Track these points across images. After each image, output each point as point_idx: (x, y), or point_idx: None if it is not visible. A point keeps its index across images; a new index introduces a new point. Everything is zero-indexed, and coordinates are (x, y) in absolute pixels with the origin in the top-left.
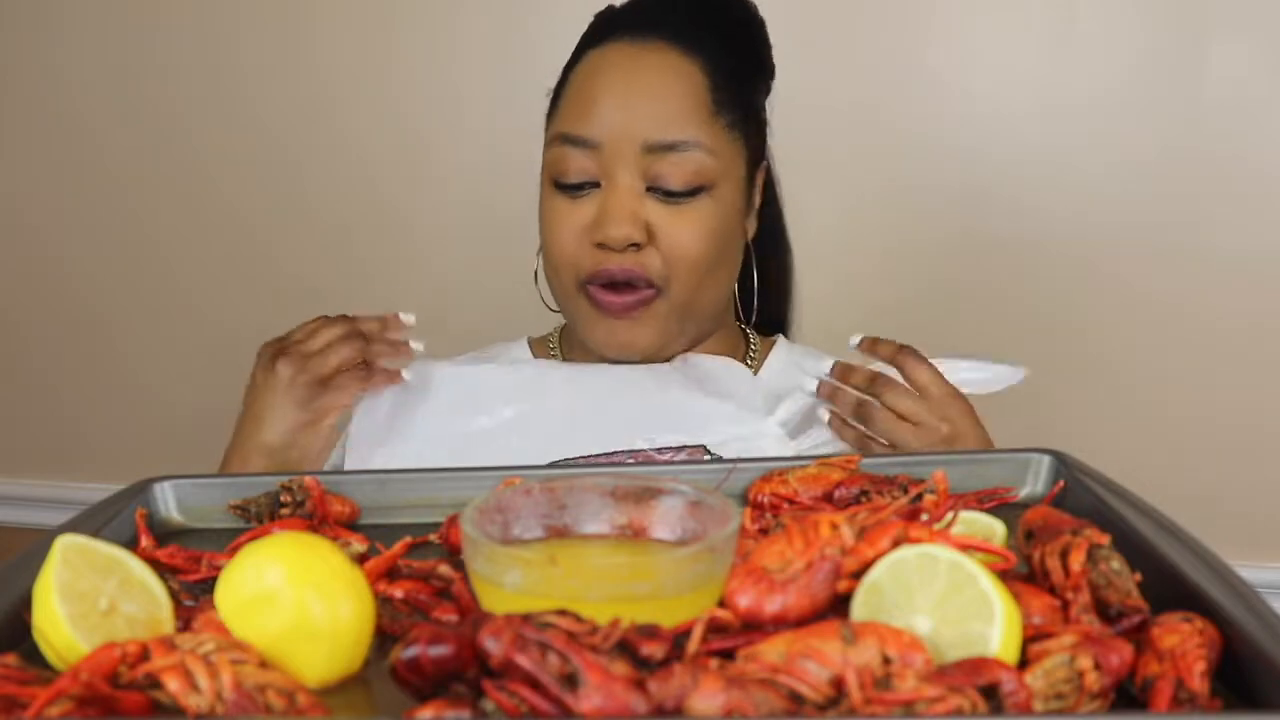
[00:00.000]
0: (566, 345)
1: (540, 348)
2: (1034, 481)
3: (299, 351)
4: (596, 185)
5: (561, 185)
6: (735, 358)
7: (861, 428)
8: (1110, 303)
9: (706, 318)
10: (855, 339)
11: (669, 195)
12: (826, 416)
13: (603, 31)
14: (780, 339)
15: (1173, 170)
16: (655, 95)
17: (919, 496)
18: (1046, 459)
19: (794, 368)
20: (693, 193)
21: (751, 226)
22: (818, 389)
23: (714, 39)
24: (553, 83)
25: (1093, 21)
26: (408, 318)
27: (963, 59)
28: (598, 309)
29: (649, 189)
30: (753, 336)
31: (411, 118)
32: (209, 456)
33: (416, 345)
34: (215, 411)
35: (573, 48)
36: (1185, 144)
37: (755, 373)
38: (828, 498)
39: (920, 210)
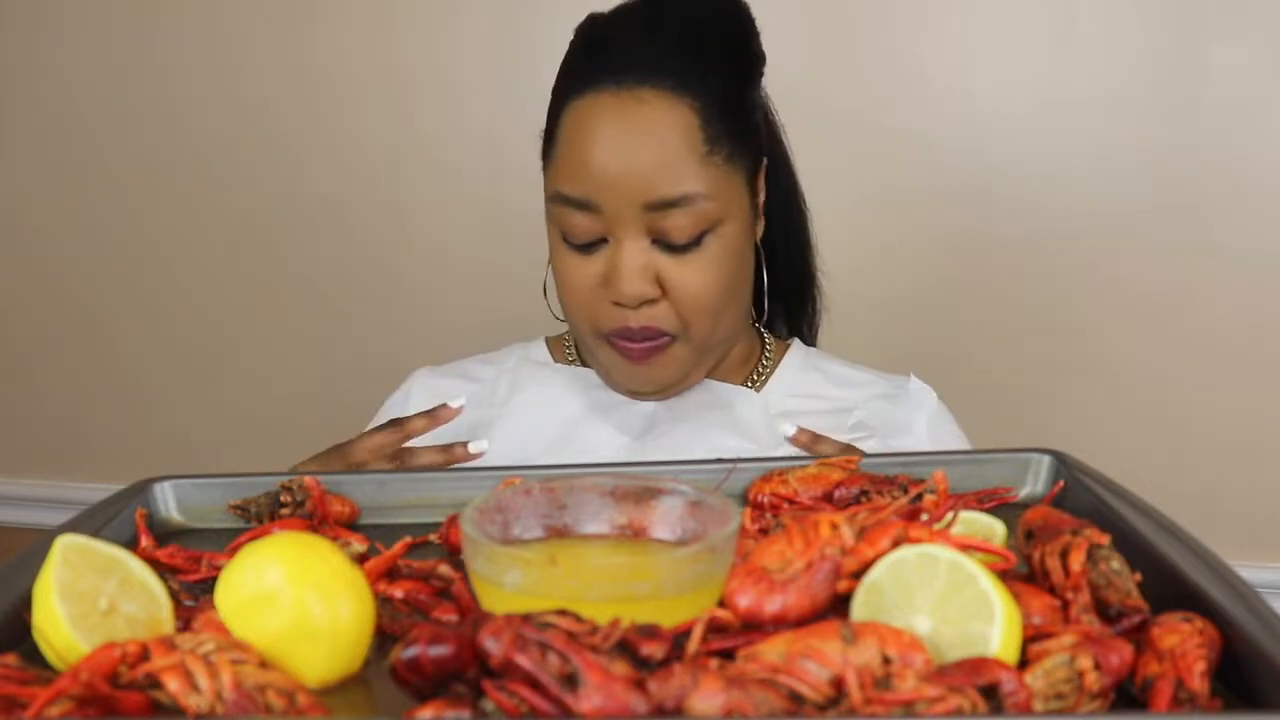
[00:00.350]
0: (585, 348)
1: (558, 348)
2: (1034, 481)
3: (349, 454)
4: (605, 240)
5: (568, 242)
6: (750, 359)
7: None
8: (1110, 303)
9: (725, 345)
10: (789, 430)
11: (674, 248)
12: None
13: (586, 75)
14: (795, 343)
15: (1173, 170)
16: (649, 149)
17: (919, 496)
18: (1046, 459)
19: (811, 373)
20: (698, 240)
21: (759, 227)
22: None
23: (701, 66)
24: (547, 86)
25: (1093, 21)
26: (457, 403)
27: (962, 59)
28: (618, 354)
29: (654, 241)
30: (767, 340)
31: (413, 117)
32: (209, 456)
33: (476, 446)
34: (215, 411)
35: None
36: (1185, 143)
37: (767, 379)
38: (828, 498)
39: (919, 210)
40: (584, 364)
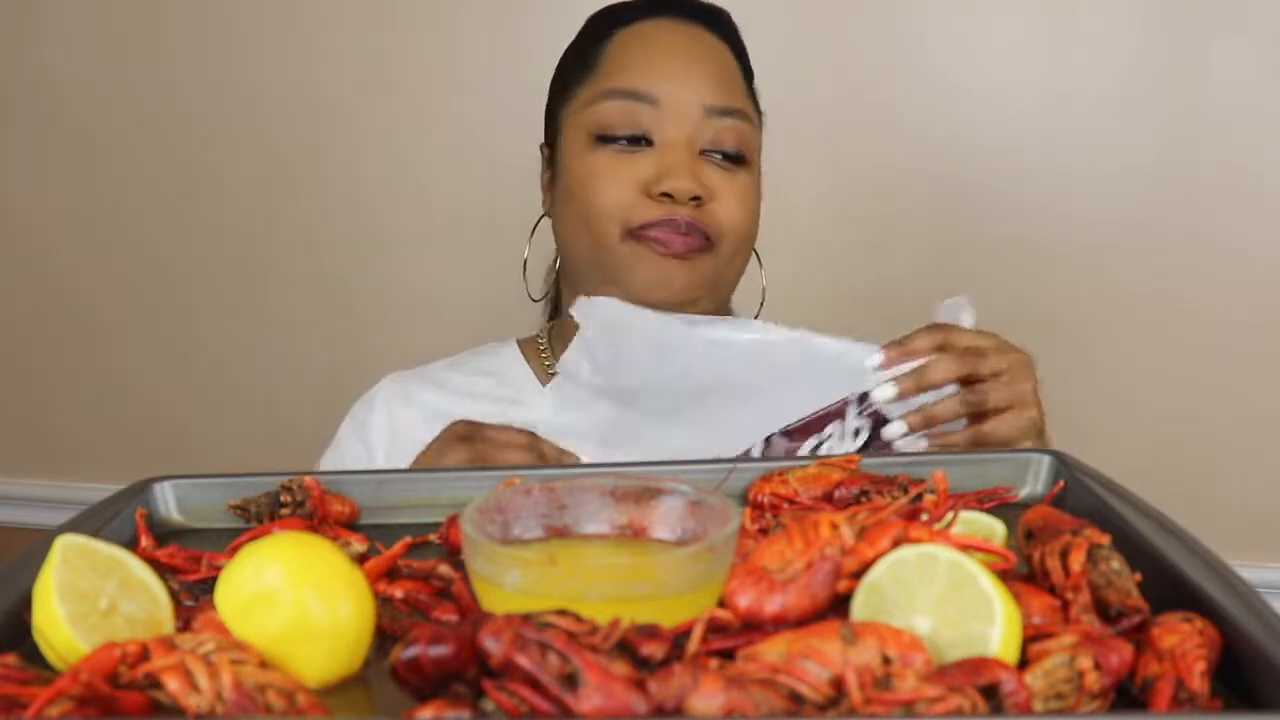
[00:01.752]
0: (558, 344)
1: (530, 349)
2: (1034, 481)
3: (482, 436)
4: (649, 143)
5: (607, 139)
6: None
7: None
8: (1110, 302)
9: (728, 291)
10: (874, 358)
11: (725, 159)
12: (900, 431)
13: (635, 12)
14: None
15: (1173, 169)
16: (708, 62)
17: (919, 496)
18: (1046, 459)
19: None
20: (740, 161)
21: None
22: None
23: (733, 35)
24: (545, 88)
25: (1093, 21)
26: None
27: (962, 59)
28: (651, 249)
29: (702, 152)
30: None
31: (410, 120)
32: (209, 456)
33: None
34: (216, 412)
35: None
36: (1185, 143)
37: None
38: (828, 498)
39: (918, 210)
40: (553, 353)
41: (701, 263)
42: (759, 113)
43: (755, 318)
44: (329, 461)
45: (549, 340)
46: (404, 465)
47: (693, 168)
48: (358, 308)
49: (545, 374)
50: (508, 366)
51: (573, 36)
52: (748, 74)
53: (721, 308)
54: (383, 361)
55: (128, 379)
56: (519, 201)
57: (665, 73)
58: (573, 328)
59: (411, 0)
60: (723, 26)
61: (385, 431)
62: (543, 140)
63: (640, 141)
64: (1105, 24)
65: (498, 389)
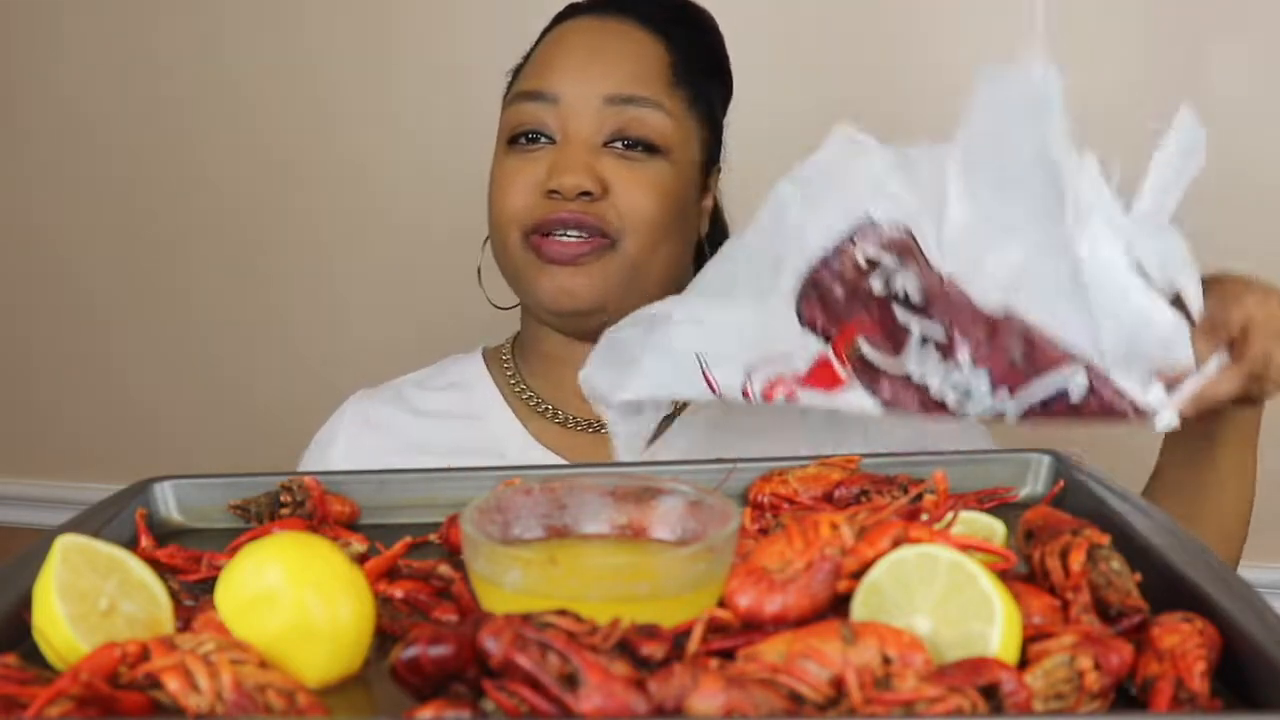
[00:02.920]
0: (520, 355)
1: (494, 361)
2: (1034, 481)
3: None
4: (551, 141)
5: (514, 141)
6: None
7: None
8: None
9: (656, 290)
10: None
11: (627, 148)
12: (1172, 422)
13: (565, 14)
14: None
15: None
16: (617, 54)
17: (919, 496)
18: (1046, 459)
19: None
20: (650, 151)
21: (705, 224)
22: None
23: (677, 28)
24: None
25: (1093, 22)
26: None
27: (962, 59)
28: (541, 258)
29: (606, 144)
30: None
31: (411, 121)
32: (209, 457)
33: None
34: (216, 412)
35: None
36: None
37: None
38: (828, 498)
39: None
40: (516, 362)
41: (603, 263)
42: (700, 112)
43: None
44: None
45: (512, 351)
46: None
47: (586, 162)
48: (360, 309)
49: (509, 387)
50: (472, 380)
51: None
52: (690, 70)
53: (652, 294)
54: (383, 363)
55: (128, 379)
56: None
57: (567, 69)
58: (534, 338)
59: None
60: (660, 18)
61: (343, 461)
62: None
63: (543, 139)
64: (1105, 25)
65: (461, 404)
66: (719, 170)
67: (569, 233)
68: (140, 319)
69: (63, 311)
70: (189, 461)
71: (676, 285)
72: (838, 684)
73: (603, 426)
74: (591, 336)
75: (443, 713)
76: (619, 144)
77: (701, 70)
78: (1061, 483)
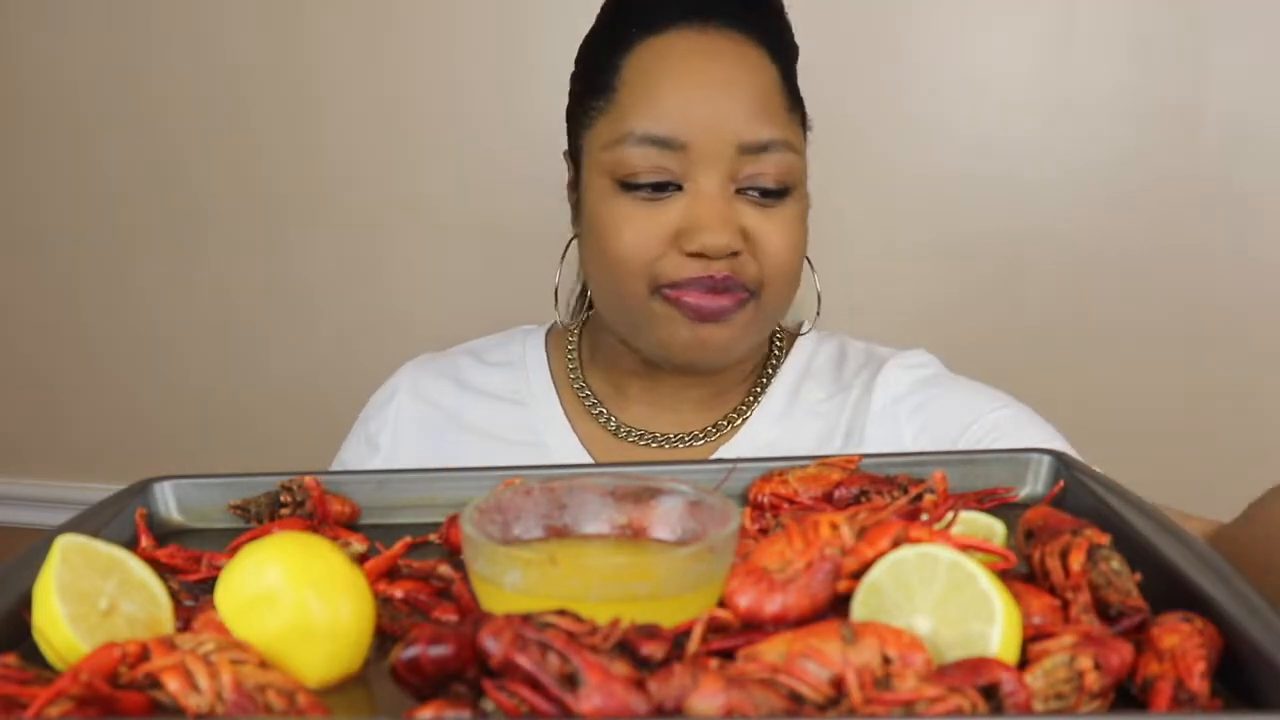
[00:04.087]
0: (589, 347)
1: (557, 343)
2: (1034, 481)
3: None
4: (677, 187)
5: (631, 186)
6: (759, 356)
7: None
8: (1110, 303)
9: (777, 321)
10: None
11: (763, 196)
12: None
13: (654, 15)
14: (805, 328)
15: (1173, 169)
16: (741, 89)
17: (919, 496)
18: (1046, 459)
19: (826, 363)
20: (782, 193)
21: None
22: None
23: (772, 23)
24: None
25: (1092, 23)
26: None
27: (962, 60)
28: (682, 311)
29: (738, 190)
30: (778, 333)
31: (407, 118)
32: (208, 457)
33: None
34: (215, 412)
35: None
36: (1185, 143)
37: (775, 374)
38: (828, 498)
39: (916, 210)
40: (580, 353)
41: (740, 315)
42: (804, 125)
43: (810, 327)
44: (341, 455)
45: (579, 337)
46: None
47: (726, 216)
48: (362, 310)
49: (565, 372)
50: (529, 362)
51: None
52: (792, 72)
53: (764, 339)
54: (384, 362)
55: (128, 379)
56: (517, 208)
57: (691, 110)
58: (602, 327)
59: (413, 6)
60: (760, 22)
61: (391, 432)
62: (565, 149)
63: (668, 188)
64: (1105, 25)
65: (511, 385)
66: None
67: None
68: (140, 319)
69: (63, 311)
70: (189, 461)
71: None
72: (838, 684)
73: (656, 440)
74: (694, 374)
75: (443, 713)
76: (753, 191)
77: (793, 61)
78: (1061, 483)
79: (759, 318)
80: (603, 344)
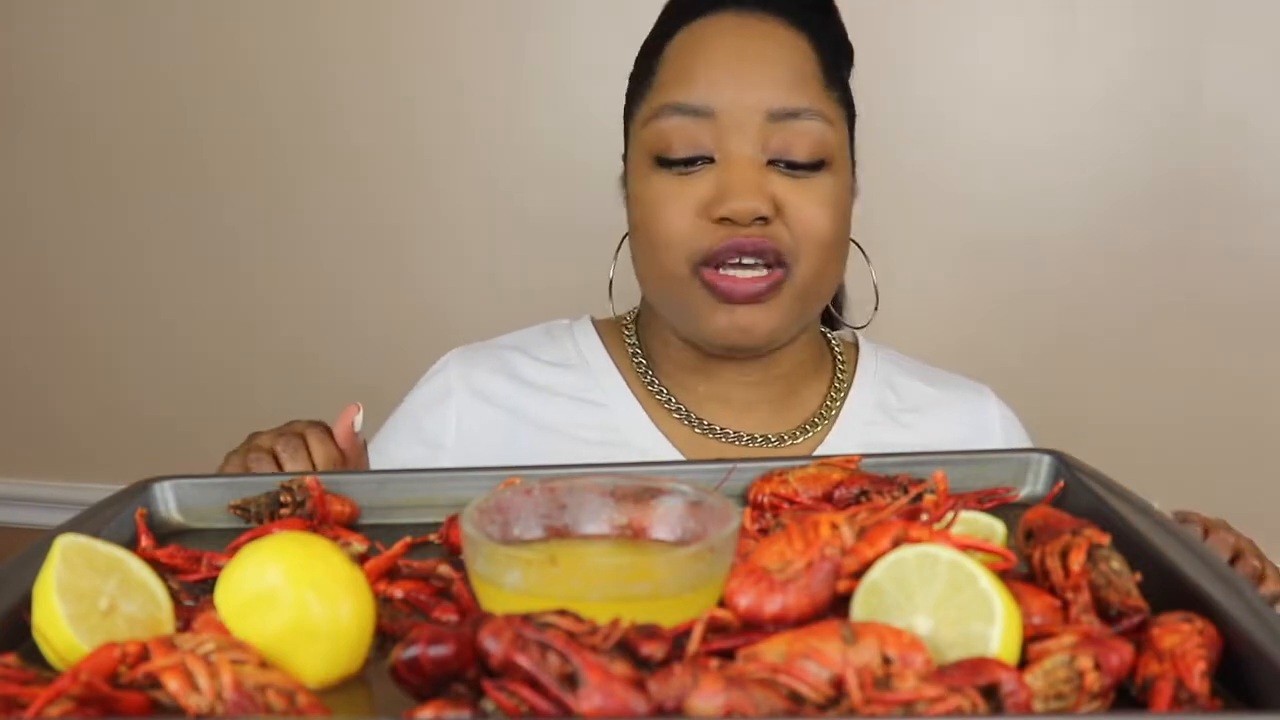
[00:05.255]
0: (645, 333)
1: (611, 334)
2: (1034, 481)
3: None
4: (709, 160)
5: (667, 161)
6: (824, 360)
7: None
8: (1111, 302)
9: (820, 307)
10: None
11: (793, 168)
12: None
13: (700, 6)
14: (861, 338)
15: (1172, 169)
16: (772, 61)
17: (919, 496)
18: (1047, 459)
19: (884, 390)
20: (816, 166)
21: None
22: None
23: (816, 17)
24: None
25: (1093, 23)
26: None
27: (963, 61)
28: (716, 295)
29: (770, 162)
30: (832, 338)
31: (417, 118)
32: (208, 457)
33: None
34: (216, 412)
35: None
36: (1185, 144)
37: (853, 372)
38: (828, 498)
39: (916, 210)
40: (643, 353)
41: (780, 296)
42: (846, 104)
43: (868, 321)
44: (380, 447)
45: (636, 324)
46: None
47: (756, 183)
48: (365, 310)
49: (629, 363)
50: (585, 354)
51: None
52: (835, 62)
53: (804, 331)
54: (388, 363)
55: (128, 379)
56: (543, 202)
57: (721, 80)
58: (652, 324)
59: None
60: (801, 12)
61: (454, 431)
62: (623, 149)
63: (701, 161)
64: (1105, 26)
65: (581, 386)
66: (857, 164)
67: (744, 262)
68: (141, 319)
69: (63, 312)
70: (189, 461)
71: (827, 302)
72: (838, 684)
73: (742, 438)
74: (738, 358)
75: (443, 713)
76: (784, 163)
77: (839, 59)
78: (1061, 483)
79: (796, 297)
80: (659, 341)
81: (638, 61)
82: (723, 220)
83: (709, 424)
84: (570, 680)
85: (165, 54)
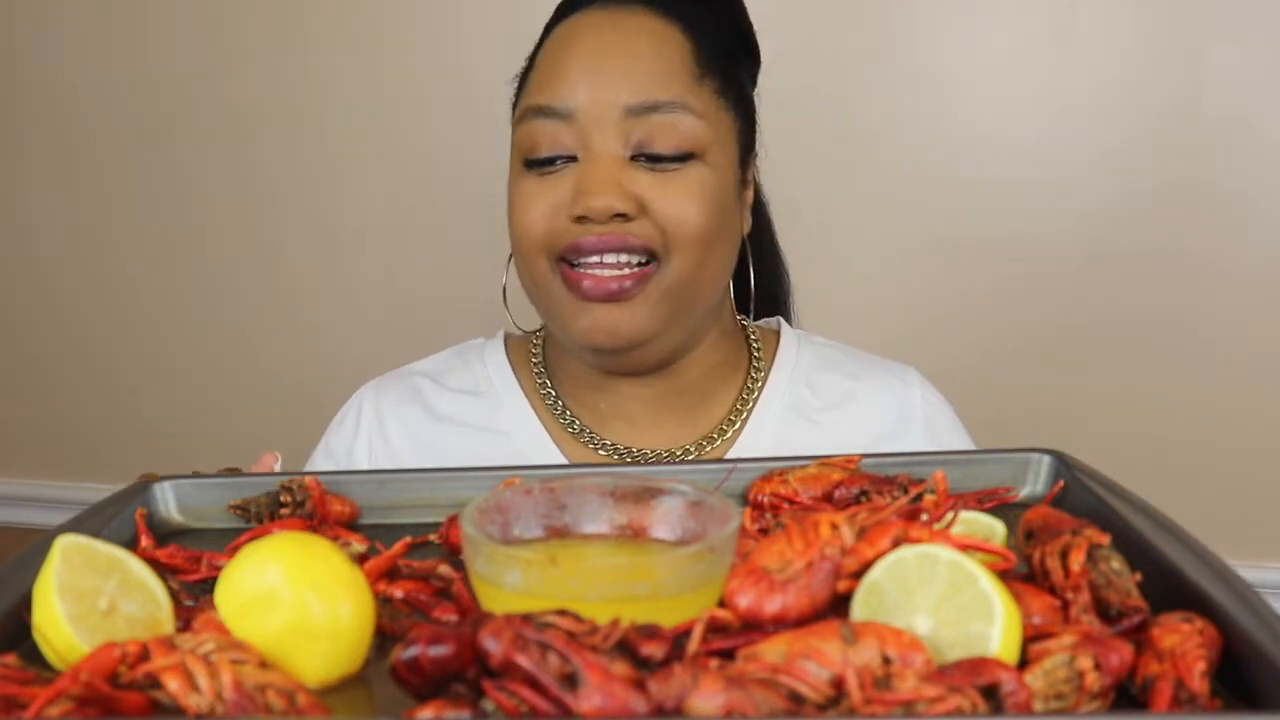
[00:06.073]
0: (549, 351)
1: (519, 353)
2: (1034, 481)
3: None
4: (573, 159)
5: (532, 162)
6: (739, 361)
7: None
8: (1110, 302)
9: (704, 306)
10: None
11: (657, 161)
12: None
13: (572, 5)
14: (785, 329)
15: (1171, 170)
16: (633, 56)
17: (919, 496)
18: (1046, 459)
19: (801, 389)
20: (683, 158)
21: (747, 221)
22: None
23: (694, 8)
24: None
25: (1093, 23)
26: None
27: (963, 60)
28: (577, 294)
29: (633, 158)
30: (751, 332)
31: (398, 121)
32: (208, 457)
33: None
34: (216, 412)
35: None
36: (1185, 143)
37: (768, 371)
38: (828, 498)
39: (915, 210)
40: (548, 374)
41: (647, 292)
42: (731, 95)
43: (788, 312)
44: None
45: (543, 342)
46: None
47: (614, 179)
48: (363, 311)
49: (533, 383)
50: (493, 379)
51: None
52: (714, 52)
53: (700, 336)
54: (388, 364)
55: (128, 379)
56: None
57: (579, 79)
58: (560, 357)
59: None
60: (680, 4)
61: (365, 463)
62: None
63: (564, 160)
64: (1105, 25)
65: (482, 414)
66: (756, 156)
67: (605, 260)
68: (141, 320)
69: (63, 312)
70: (189, 461)
71: (720, 302)
72: (838, 684)
73: (640, 457)
74: (630, 370)
75: (443, 713)
76: (645, 157)
77: (727, 50)
78: (1061, 483)
79: (670, 293)
80: (559, 366)
81: (524, 65)
82: (581, 219)
83: (612, 444)
84: (570, 680)
85: (165, 54)
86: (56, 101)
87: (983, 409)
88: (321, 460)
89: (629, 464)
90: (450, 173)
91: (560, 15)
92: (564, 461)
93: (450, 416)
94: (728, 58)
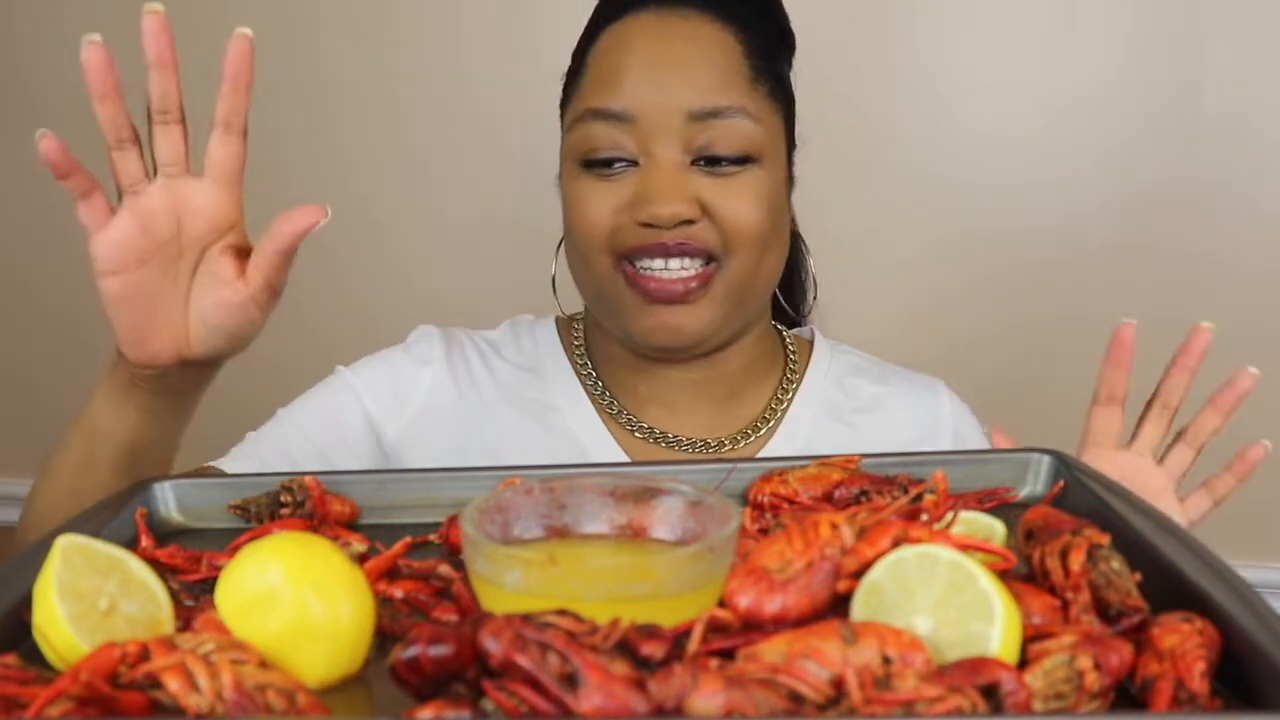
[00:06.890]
0: (590, 334)
1: (566, 333)
2: (1034, 481)
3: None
4: (633, 163)
5: (591, 164)
6: (775, 360)
7: None
8: (1110, 302)
9: (758, 303)
10: None
11: (717, 165)
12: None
13: (624, 5)
14: (818, 337)
15: (1171, 169)
16: (692, 62)
17: (919, 496)
18: (1046, 459)
19: (834, 391)
20: (741, 162)
21: (792, 213)
22: None
23: (743, 7)
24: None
25: (1093, 22)
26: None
27: (962, 60)
28: (643, 295)
29: (694, 162)
30: (787, 335)
31: (408, 115)
32: (209, 457)
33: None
34: (215, 412)
35: (576, 37)
36: (1184, 143)
37: (803, 372)
38: (828, 498)
39: (915, 209)
40: (590, 358)
41: (706, 295)
42: (779, 96)
43: (809, 311)
44: (344, 375)
45: (584, 325)
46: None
47: (678, 185)
48: (365, 308)
49: (577, 363)
50: (545, 357)
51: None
52: (766, 54)
53: (745, 331)
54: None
55: None
56: (522, 201)
57: (640, 84)
58: (601, 341)
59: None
60: (726, 3)
61: (424, 396)
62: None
63: (625, 163)
64: (1105, 25)
65: (536, 388)
66: (796, 149)
67: (669, 264)
68: None
69: (63, 311)
70: (188, 461)
71: (769, 299)
72: (838, 684)
73: (675, 443)
74: (678, 359)
75: (443, 713)
76: (706, 160)
77: (773, 49)
78: (1061, 483)
79: (729, 293)
80: (599, 348)
81: (571, 60)
82: (646, 224)
83: (649, 427)
84: (570, 680)
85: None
86: (57, 101)
87: (982, 409)
88: (379, 368)
89: (665, 448)
90: (451, 172)
91: (610, 15)
92: (611, 441)
93: (508, 385)
94: (775, 55)
